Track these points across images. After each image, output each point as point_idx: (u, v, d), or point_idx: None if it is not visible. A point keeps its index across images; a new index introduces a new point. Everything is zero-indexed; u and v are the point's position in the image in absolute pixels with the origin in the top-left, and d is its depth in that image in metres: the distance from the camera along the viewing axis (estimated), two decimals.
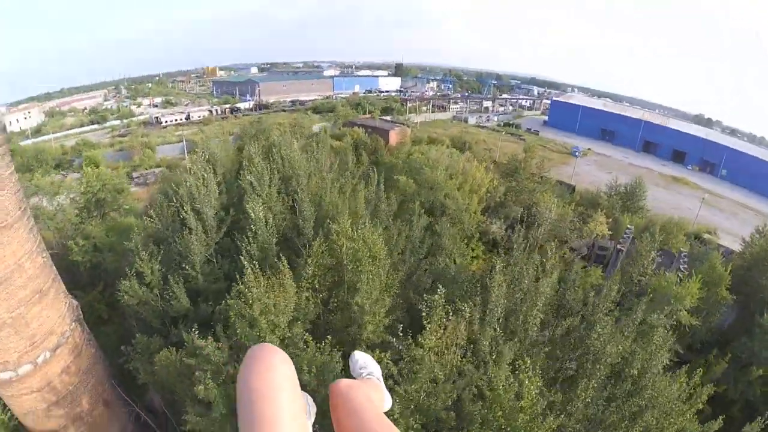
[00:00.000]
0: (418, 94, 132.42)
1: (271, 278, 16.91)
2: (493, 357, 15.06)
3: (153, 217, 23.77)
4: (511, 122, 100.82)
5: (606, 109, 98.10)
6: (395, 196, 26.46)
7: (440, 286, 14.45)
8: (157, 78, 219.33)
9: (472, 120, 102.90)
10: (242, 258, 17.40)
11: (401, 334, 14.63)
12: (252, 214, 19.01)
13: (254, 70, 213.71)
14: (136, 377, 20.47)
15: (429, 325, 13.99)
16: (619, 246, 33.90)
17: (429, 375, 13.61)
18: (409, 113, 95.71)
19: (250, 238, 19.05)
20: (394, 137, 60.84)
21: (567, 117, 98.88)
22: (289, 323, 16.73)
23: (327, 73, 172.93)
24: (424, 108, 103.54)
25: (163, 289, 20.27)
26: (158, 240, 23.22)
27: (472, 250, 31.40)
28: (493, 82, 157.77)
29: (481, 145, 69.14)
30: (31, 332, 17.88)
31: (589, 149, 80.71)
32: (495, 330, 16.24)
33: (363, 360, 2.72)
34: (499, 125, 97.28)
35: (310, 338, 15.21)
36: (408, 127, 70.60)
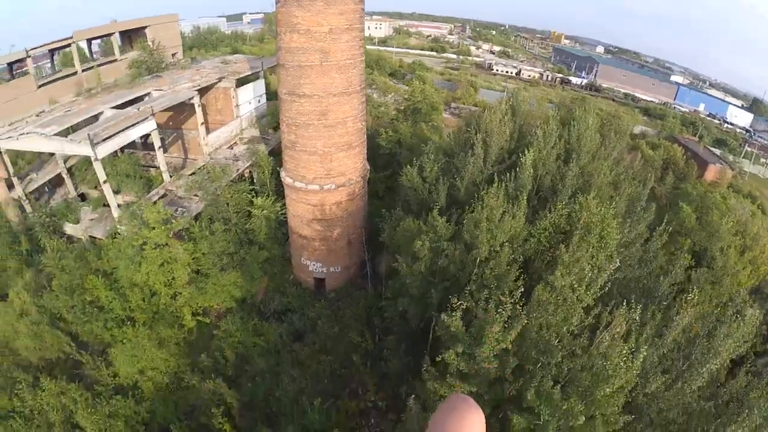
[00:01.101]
0: (766, 142, 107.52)
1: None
2: None
3: (449, 137, 29.24)
4: None
5: None
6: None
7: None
8: (503, 28, 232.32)
9: None
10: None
11: None
12: (524, 162, 21.92)
13: (599, 49, 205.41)
14: (378, 237, 26.78)
15: None
16: None
17: None
18: (743, 157, 79.69)
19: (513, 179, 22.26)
20: (711, 173, 53.77)
21: None
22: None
23: (674, 78, 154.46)
24: (763, 160, 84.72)
25: (432, 185, 25.56)
26: (447, 153, 28.67)
27: None
28: None
29: None
30: (329, 167, 25.37)
31: None
32: None
33: None
34: None
35: None
36: (732, 170, 60.95)
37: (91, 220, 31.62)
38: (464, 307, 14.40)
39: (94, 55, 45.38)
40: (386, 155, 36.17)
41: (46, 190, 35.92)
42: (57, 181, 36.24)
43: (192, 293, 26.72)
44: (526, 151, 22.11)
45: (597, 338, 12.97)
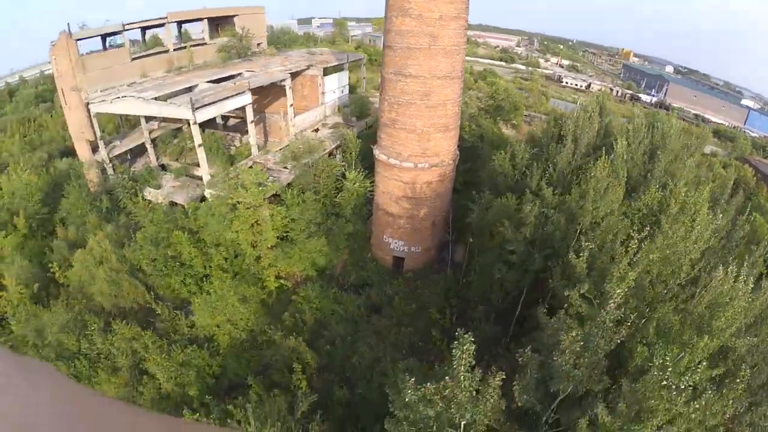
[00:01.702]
0: None
1: None
2: None
3: (537, 133, 30.48)
4: None
5: None
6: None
7: None
8: (570, 43, 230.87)
9: None
10: None
11: None
12: (617, 149, 22.89)
13: (669, 68, 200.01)
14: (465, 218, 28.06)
15: None
16: None
17: None
18: None
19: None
20: None
21: None
22: None
23: (745, 102, 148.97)
24: None
25: (525, 171, 26.77)
26: (535, 145, 29.92)
27: None
28: None
29: None
30: (426, 146, 26.92)
31: None
32: None
33: None
34: None
35: None
36: None
37: (173, 187, 33.93)
38: (591, 247, 15.62)
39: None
40: (467, 149, 37.45)
41: (128, 157, 39.09)
42: (139, 151, 39.49)
43: (277, 256, 28.66)
44: (618, 139, 23.01)
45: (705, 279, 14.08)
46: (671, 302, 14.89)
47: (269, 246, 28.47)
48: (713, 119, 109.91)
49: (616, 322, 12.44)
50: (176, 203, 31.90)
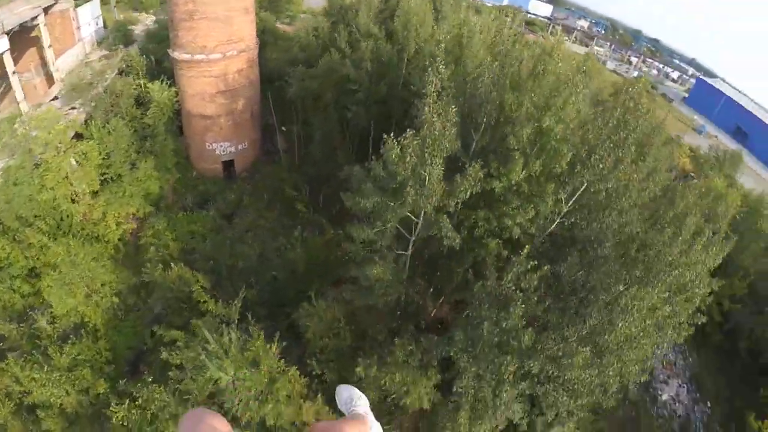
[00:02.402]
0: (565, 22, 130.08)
1: None
2: None
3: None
4: (651, 83, 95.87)
5: (748, 108, 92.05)
6: None
7: None
8: None
9: (610, 65, 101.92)
10: None
11: None
12: None
13: None
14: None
15: None
16: None
17: None
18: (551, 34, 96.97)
19: None
20: None
21: (707, 101, 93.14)
22: None
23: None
24: (566, 38, 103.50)
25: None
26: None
27: None
28: (647, 44, 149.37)
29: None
30: (231, 32, 26.68)
31: (716, 137, 79.53)
32: None
33: (348, 393, 2.90)
34: (635, 79, 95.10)
35: None
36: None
37: None
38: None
39: None
40: None
41: None
42: None
43: (108, 200, 25.81)
44: None
45: None
46: None
47: (94, 191, 25.32)
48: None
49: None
50: None
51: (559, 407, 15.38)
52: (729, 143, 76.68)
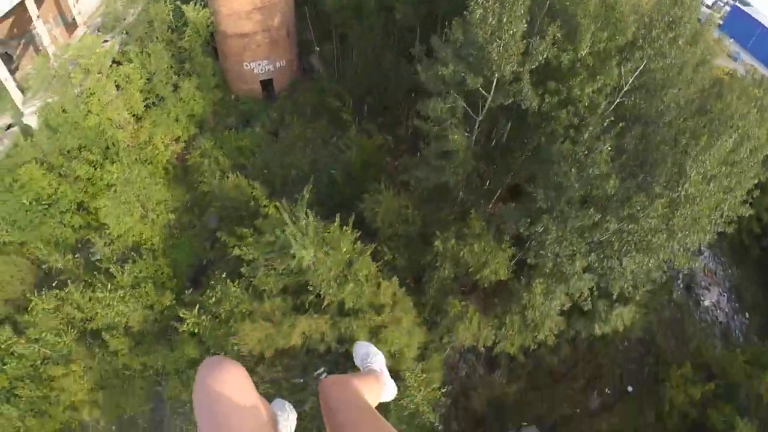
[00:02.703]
0: None
1: None
2: None
3: None
4: None
5: None
6: None
7: None
8: None
9: None
10: None
11: None
12: None
13: None
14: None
15: None
16: None
17: None
18: None
19: None
20: None
21: (743, 30, 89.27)
22: None
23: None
24: None
25: None
26: None
27: None
28: None
29: None
30: None
31: (752, 66, 77.18)
32: None
33: (365, 350, 2.90)
34: None
35: None
36: None
37: None
38: None
39: None
40: None
41: None
42: None
43: (155, 122, 26.21)
44: None
45: None
46: None
47: (138, 116, 25.66)
48: None
49: None
50: None
51: (623, 283, 16.14)
52: (765, 72, 76.20)
